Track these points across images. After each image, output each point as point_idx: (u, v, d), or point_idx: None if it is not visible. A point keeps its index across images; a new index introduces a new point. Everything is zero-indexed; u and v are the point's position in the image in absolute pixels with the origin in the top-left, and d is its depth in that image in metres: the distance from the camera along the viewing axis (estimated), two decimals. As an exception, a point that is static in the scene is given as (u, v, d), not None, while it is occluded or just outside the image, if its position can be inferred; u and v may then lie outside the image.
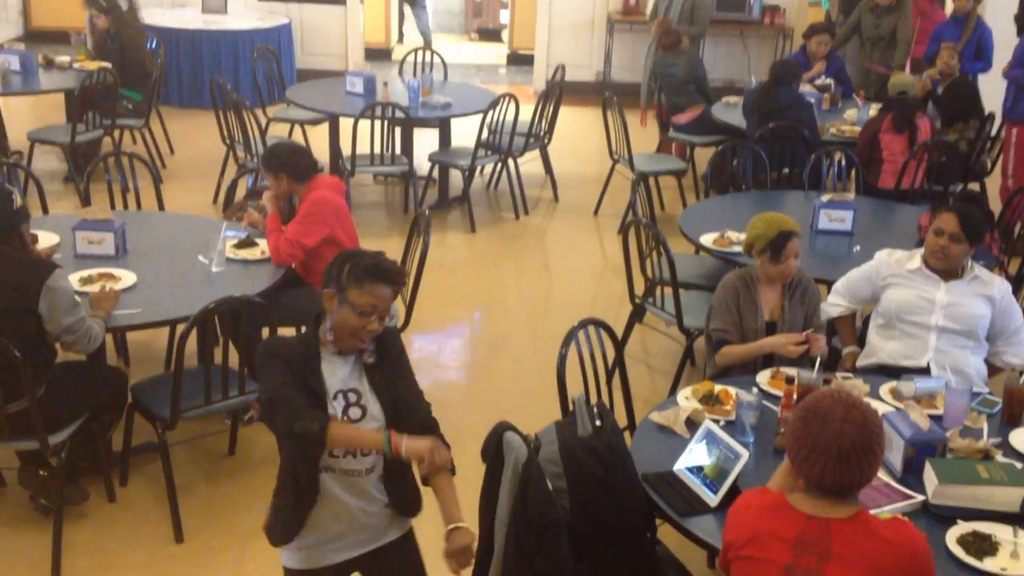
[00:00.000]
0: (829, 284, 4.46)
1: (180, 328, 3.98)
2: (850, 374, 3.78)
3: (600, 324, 3.81)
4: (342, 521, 2.86)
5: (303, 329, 5.36)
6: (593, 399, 3.46)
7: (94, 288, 4.19)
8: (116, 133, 8.07)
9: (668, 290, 4.92)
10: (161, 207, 5.82)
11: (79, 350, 3.89)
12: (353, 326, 2.72)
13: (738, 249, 5.00)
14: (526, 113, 7.76)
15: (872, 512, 2.68)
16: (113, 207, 5.49)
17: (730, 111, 7.78)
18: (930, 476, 3.03)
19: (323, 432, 2.66)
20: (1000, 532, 2.86)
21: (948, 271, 4.02)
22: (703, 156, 8.03)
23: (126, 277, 4.36)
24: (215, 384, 4.04)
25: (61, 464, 3.86)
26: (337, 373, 2.79)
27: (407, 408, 2.88)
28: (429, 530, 3.05)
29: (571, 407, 3.12)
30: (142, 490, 4.36)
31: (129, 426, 4.29)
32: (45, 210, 5.75)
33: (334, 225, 4.72)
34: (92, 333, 3.84)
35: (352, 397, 2.80)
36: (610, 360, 4.00)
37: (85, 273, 4.35)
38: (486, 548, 3.01)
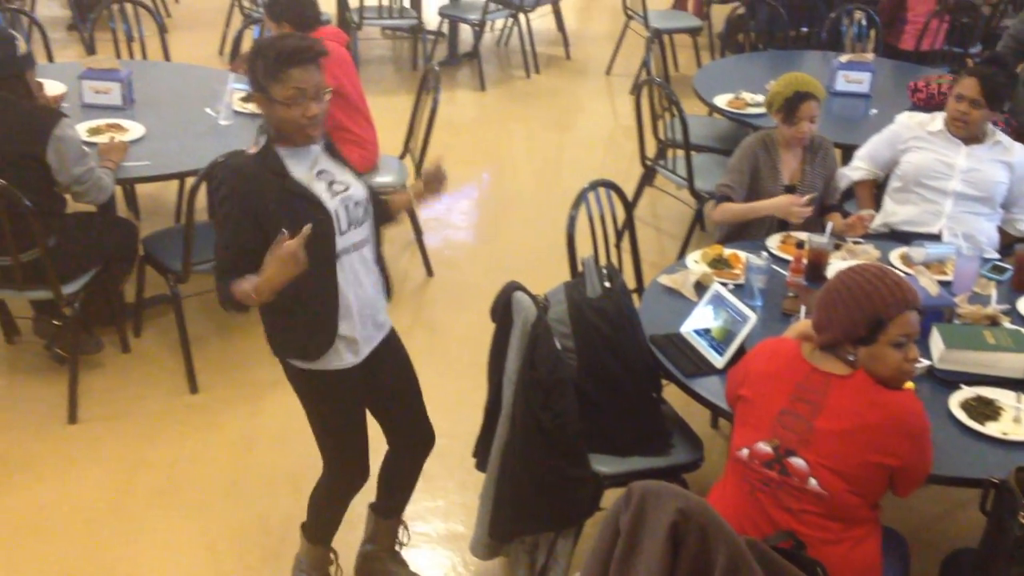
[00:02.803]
0: (844, 147, 4.41)
1: (190, 181, 3.96)
2: (861, 240, 3.77)
3: (610, 185, 3.79)
4: (362, 308, 2.77)
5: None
6: (602, 261, 3.46)
7: (102, 139, 4.16)
8: (119, -21, 7.87)
9: (680, 152, 4.87)
10: (167, 57, 5.73)
11: (89, 201, 3.89)
12: (292, 119, 2.59)
13: (753, 111, 4.93)
14: (539, -35, 7.56)
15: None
16: (119, 56, 5.40)
17: (751, -36, 7.54)
18: (937, 341, 3.05)
19: (231, 299, 2.59)
20: (1003, 397, 2.90)
21: (969, 136, 3.96)
22: (720, 13, 7.83)
23: (134, 128, 4.33)
24: (225, 238, 4.04)
25: (75, 314, 3.91)
26: (305, 165, 2.69)
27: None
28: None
29: (580, 268, 3.13)
30: (156, 342, 4.42)
31: (141, 278, 4.33)
32: (50, 58, 5.66)
33: (340, 77, 4.63)
34: (102, 183, 3.83)
35: (327, 176, 2.71)
36: (620, 222, 3.99)
37: (93, 124, 4.32)
38: (494, 405, 3.06)
